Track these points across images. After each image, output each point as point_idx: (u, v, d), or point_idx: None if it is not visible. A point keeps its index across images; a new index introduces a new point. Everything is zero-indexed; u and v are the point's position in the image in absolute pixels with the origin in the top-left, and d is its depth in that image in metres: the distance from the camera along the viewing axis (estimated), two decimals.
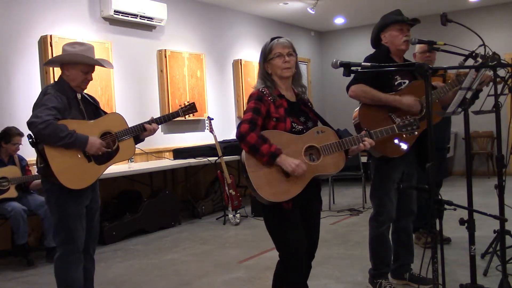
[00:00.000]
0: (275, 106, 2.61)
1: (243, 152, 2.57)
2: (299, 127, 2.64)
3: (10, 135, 4.90)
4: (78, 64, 3.05)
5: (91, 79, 3.15)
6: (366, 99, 3.31)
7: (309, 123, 2.71)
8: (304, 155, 2.59)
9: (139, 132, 3.24)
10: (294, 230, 2.60)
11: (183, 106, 3.57)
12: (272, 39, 2.71)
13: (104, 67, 3.25)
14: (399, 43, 3.36)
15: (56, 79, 3.22)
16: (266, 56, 2.69)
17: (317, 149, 2.61)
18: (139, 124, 3.24)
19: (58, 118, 2.89)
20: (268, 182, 2.52)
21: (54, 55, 5.33)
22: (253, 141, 2.49)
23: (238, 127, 2.55)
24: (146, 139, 3.38)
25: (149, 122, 3.27)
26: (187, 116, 3.62)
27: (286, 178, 2.54)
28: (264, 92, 2.63)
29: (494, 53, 2.99)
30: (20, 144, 4.95)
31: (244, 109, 2.79)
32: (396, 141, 3.03)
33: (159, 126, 3.36)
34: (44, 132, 2.81)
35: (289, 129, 2.60)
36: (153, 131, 3.28)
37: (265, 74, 2.71)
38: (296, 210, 2.61)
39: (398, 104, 3.22)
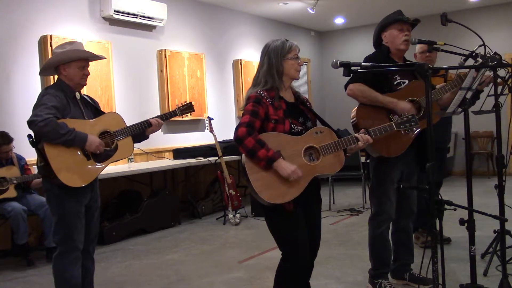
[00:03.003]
0: (273, 108, 2.60)
1: (243, 155, 2.57)
2: (298, 128, 2.64)
3: None
4: (73, 61, 3.07)
5: (89, 74, 3.18)
6: (363, 98, 3.31)
7: (308, 123, 2.72)
8: (303, 155, 2.60)
9: (140, 130, 3.26)
10: (297, 231, 2.60)
11: (180, 105, 3.59)
12: (284, 40, 2.69)
13: (99, 58, 3.26)
14: (399, 43, 3.36)
15: (55, 79, 3.23)
16: (285, 54, 2.64)
17: (317, 149, 2.62)
18: (141, 122, 3.27)
19: (58, 117, 2.92)
20: (269, 184, 2.52)
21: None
22: (250, 146, 2.48)
23: (236, 130, 2.53)
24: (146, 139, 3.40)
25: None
26: (184, 116, 3.64)
27: (286, 179, 2.54)
28: (263, 95, 2.62)
29: (495, 53, 2.99)
30: (10, 149, 4.91)
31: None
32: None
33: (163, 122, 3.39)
34: (45, 129, 2.83)
35: (288, 131, 2.60)
36: (158, 126, 3.32)
37: (278, 71, 2.64)
38: (298, 211, 2.61)
39: (394, 107, 3.21)
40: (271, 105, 2.61)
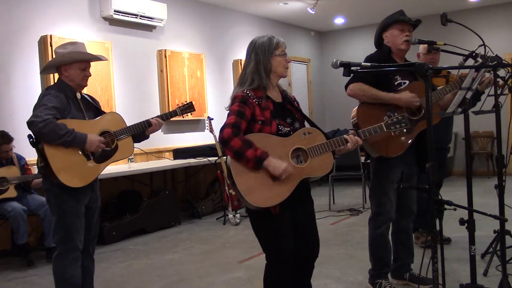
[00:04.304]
0: (260, 109, 2.53)
1: (229, 157, 2.49)
2: (286, 129, 2.57)
3: None
4: (75, 62, 3.06)
5: (90, 75, 3.18)
6: (364, 97, 3.30)
7: (296, 124, 2.64)
8: (291, 157, 2.54)
9: (140, 130, 3.26)
10: (281, 235, 2.54)
11: (181, 105, 3.59)
12: (270, 36, 2.63)
13: (101, 60, 3.26)
14: (399, 43, 3.35)
15: (56, 79, 3.24)
16: (272, 50, 2.58)
17: (305, 151, 2.56)
18: (141, 122, 3.27)
19: (58, 118, 2.92)
20: (255, 188, 2.45)
21: (53, 56, 5.34)
22: (237, 147, 2.40)
23: (221, 131, 2.44)
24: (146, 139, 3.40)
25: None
26: (185, 116, 3.64)
27: (274, 182, 2.48)
28: (249, 94, 2.54)
29: (496, 56, 2.99)
30: (10, 149, 4.92)
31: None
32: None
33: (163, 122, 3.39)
34: (44, 130, 2.83)
35: (275, 132, 2.52)
36: (158, 126, 3.32)
37: (266, 68, 2.58)
38: (284, 215, 2.54)
39: (397, 101, 3.20)
40: (258, 105, 2.53)
